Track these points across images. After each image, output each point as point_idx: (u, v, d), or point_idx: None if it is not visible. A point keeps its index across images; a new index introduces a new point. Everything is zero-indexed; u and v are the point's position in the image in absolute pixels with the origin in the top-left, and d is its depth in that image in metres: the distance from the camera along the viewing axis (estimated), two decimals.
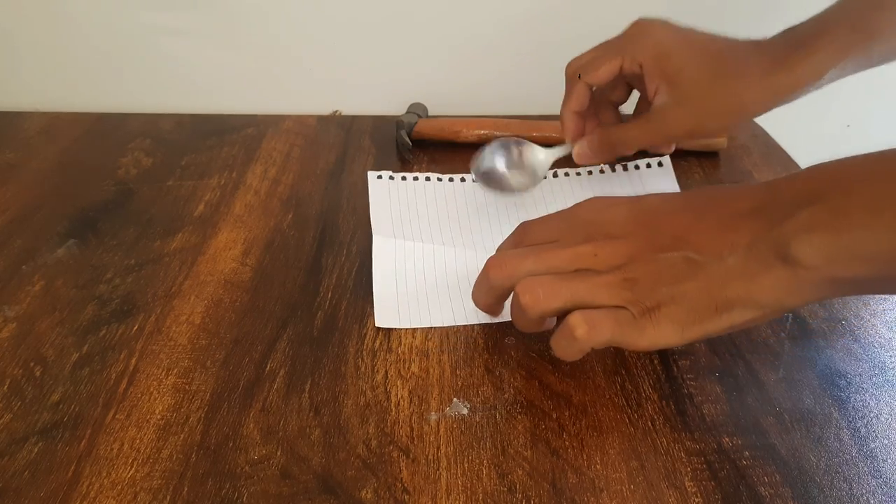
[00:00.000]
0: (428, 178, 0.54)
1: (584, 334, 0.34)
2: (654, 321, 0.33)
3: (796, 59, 0.43)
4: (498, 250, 0.41)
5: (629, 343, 0.34)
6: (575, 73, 0.48)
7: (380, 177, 0.54)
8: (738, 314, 0.32)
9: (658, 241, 0.34)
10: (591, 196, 0.39)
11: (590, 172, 0.54)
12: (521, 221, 0.40)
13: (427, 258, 0.47)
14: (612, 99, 0.51)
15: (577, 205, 0.39)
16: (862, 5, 0.44)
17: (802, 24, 0.45)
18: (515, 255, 0.37)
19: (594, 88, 0.49)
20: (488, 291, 0.39)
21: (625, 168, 0.55)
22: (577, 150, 0.49)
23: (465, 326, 0.42)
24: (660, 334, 0.33)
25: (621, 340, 0.34)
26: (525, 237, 0.39)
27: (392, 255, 0.47)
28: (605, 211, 0.37)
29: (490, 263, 0.38)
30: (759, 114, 0.45)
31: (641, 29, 0.47)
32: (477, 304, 0.41)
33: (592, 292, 0.34)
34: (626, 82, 0.50)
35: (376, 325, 0.41)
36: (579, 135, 0.49)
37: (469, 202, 0.52)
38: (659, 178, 0.54)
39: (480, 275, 0.39)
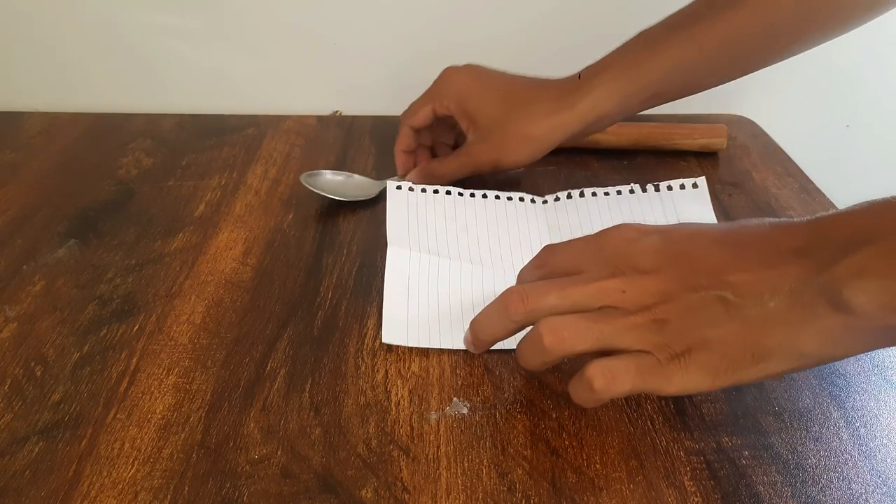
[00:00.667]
0: (449, 192, 0.51)
1: (603, 387, 0.32)
2: (683, 367, 0.31)
3: (576, 98, 0.49)
4: (519, 277, 0.39)
5: (654, 390, 0.32)
6: (401, 118, 0.56)
7: (399, 187, 0.51)
8: (776, 363, 0.30)
9: (692, 279, 0.31)
10: (618, 219, 0.37)
11: (619, 192, 0.51)
12: (545, 245, 0.38)
13: (442, 274, 0.45)
14: (443, 140, 0.58)
15: (604, 232, 0.36)
16: (636, 49, 0.49)
17: (589, 66, 0.50)
18: (539, 289, 0.35)
19: (420, 130, 0.56)
20: (502, 323, 0.36)
21: (656, 189, 0.51)
22: (409, 178, 0.55)
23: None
24: (689, 381, 0.31)
25: (644, 388, 0.32)
26: (548, 265, 0.37)
27: (406, 269, 0.45)
28: (636, 242, 0.34)
29: (510, 296, 0.35)
30: (554, 145, 0.51)
31: (447, 77, 0.54)
32: (480, 333, 0.38)
33: (619, 335, 0.32)
34: (450, 123, 0.55)
35: (383, 340, 0.40)
36: (409, 169, 0.56)
37: (491, 218, 0.50)
38: (692, 202, 0.50)
39: (495, 304, 0.36)
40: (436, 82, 0.55)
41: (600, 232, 0.36)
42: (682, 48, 0.48)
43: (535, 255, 0.39)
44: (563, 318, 0.33)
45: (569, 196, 0.52)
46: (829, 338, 0.29)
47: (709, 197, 0.50)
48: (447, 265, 0.45)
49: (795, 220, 0.32)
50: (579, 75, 0.50)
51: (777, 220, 0.32)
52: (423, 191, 0.51)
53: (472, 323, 0.38)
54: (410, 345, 0.40)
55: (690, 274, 0.32)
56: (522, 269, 0.39)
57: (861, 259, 0.27)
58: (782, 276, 0.29)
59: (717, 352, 0.31)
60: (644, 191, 0.51)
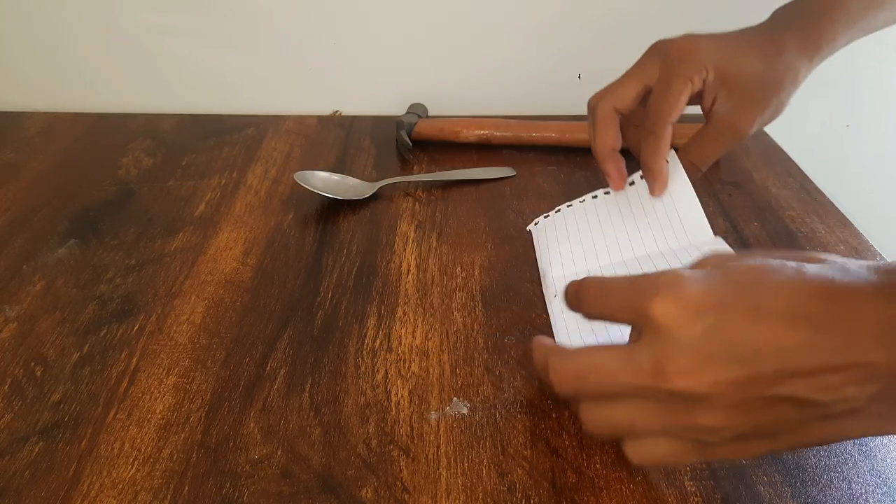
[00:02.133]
0: (583, 200, 0.49)
1: (636, 461, 0.30)
2: (740, 453, 0.28)
3: (820, 31, 0.45)
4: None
5: (700, 460, 0.31)
6: (598, 101, 0.45)
7: (536, 223, 0.50)
8: (852, 436, 0.28)
9: (758, 375, 0.25)
10: (617, 218, 0.39)
11: (594, 197, 0.49)
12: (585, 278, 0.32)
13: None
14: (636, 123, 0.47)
15: (651, 295, 0.27)
16: None
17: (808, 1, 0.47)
18: (574, 367, 0.29)
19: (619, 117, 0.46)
20: (549, 386, 0.31)
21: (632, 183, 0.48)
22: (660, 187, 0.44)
23: (464, 326, 0.42)
24: (744, 457, 0.31)
25: (686, 463, 0.32)
26: (581, 305, 0.32)
27: (553, 284, 0.44)
28: (691, 324, 0.26)
29: (551, 363, 0.30)
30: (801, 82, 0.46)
31: (690, 47, 0.44)
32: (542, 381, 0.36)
33: (659, 432, 0.28)
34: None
35: None
36: (624, 177, 0.46)
37: (625, 212, 0.46)
38: (671, 177, 0.46)
39: (546, 368, 0.31)
40: (669, 56, 0.44)
41: (640, 290, 0.28)
42: None
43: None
44: (597, 409, 0.30)
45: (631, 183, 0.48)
46: None
47: (681, 165, 0.46)
48: (595, 266, 0.45)
49: (876, 280, 0.25)
50: (804, 8, 0.47)
51: (861, 279, 0.25)
52: (558, 211, 0.50)
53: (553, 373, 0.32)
54: None
55: (754, 366, 0.25)
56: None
57: None
58: (871, 367, 0.24)
59: (786, 443, 0.27)
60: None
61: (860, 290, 0.25)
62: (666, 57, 0.43)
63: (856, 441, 0.35)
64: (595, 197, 0.49)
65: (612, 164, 0.45)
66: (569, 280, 0.33)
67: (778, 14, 0.48)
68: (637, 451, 0.29)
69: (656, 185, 0.44)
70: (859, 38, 0.48)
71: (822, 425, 0.26)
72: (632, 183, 0.47)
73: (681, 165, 0.45)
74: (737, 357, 0.26)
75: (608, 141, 0.45)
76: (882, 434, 0.29)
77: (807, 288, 0.26)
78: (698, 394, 0.26)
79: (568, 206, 0.50)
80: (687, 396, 0.26)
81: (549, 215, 0.51)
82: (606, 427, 0.30)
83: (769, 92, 0.44)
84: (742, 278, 0.27)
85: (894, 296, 0.24)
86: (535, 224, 0.51)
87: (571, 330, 0.41)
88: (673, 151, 0.46)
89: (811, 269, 0.26)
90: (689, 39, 0.44)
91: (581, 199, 0.49)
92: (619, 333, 0.38)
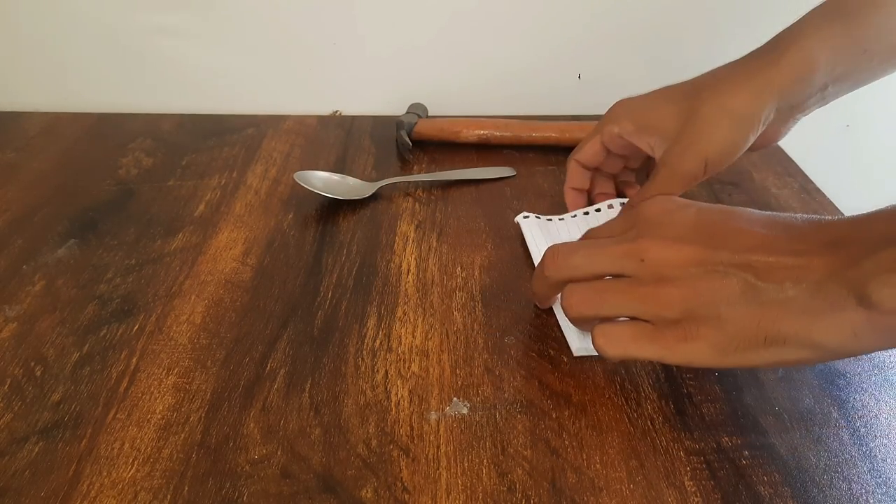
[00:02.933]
0: (574, 216, 0.51)
1: (602, 347, 0.34)
2: (689, 339, 0.32)
3: (780, 49, 0.42)
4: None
5: (657, 358, 0.33)
6: (570, 157, 0.52)
7: (526, 216, 0.51)
8: (789, 351, 0.30)
9: (716, 254, 0.32)
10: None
11: (585, 213, 0.51)
12: None
13: None
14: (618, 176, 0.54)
15: (646, 202, 0.37)
16: (837, 8, 0.42)
17: (783, 31, 0.44)
18: (567, 248, 0.38)
19: (591, 167, 0.51)
20: (543, 280, 0.39)
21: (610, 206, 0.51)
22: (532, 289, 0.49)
23: (464, 326, 0.42)
24: (695, 354, 0.32)
25: (645, 355, 0.33)
26: (592, 232, 0.40)
27: None
28: (672, 213, 0.35)
29: (546, 254, 0.39)
30: (766, 116, 0.42)
31: (612, 108, 0.49)
32: (534, 292, 0.42)
33: (626, 306, 0.34)
34: (622, 158, 0.51)
35: (575, 355, 0.40)
36: (577, 204, 0.52)
37: None
38: None
39: (538, 264, 0.40)
40: (605, 115, 0.49)
41: (643, 201, 0.37)
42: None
43: None
44: (578, 285, 0.36)
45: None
46: (847, 331, 0.28)
47: None
48: None
49: (834, 217, 0.32)
50: (767, 44, 0.43)
51: (818, 216, 0.32)
52: (549, 220, 0.51)
53: (533, 281, 0.42)
54: (593, 354, 0.39)
55: (716, 249, 0.32)
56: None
57: (890, 256, 0.27)
58: (809, 266, 0.30)
59: (728, 330, 0.31)
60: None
61: (815, 221, 0.32)
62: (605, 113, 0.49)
63: (856, 441, 0.35)
64: (586, 213, 0.51)
65: (570, 197, 0.52)
66: None
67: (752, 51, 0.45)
68: (605, 333, 0.34)
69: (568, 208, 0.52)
70: (852, 76, 0.43)
71: (761, 311, 0.30)
72: (610, 206, 0.51)
73: None
74: (702, 240, 0.33)
75: (571, 185, 0.52)
76: (811, 342, 0.29)
77: (777, 214, 0.33)
78: (665, 264, 0.33)
79: (560, 219, 0.51)
80: (656, 267, 0.33)
81: (539, 217, 0.51)
82: (584, 303, 0.35)
83: (703, 125, 0.42)
84: (722, 206, 0.36)
85: (833, 225, 0.31)
86: (525, 217, 0.51)
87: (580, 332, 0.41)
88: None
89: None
90: (623, 100, 0.48)
91: (572, 214, 0.52)
92: None
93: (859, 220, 0.30)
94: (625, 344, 0.34)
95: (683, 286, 0.32)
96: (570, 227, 0.51)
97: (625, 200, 0.51)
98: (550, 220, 0.51)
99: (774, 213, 0.34)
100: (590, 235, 0.40)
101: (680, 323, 0.32)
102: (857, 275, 0.28)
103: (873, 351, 0.30)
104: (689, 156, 0.43)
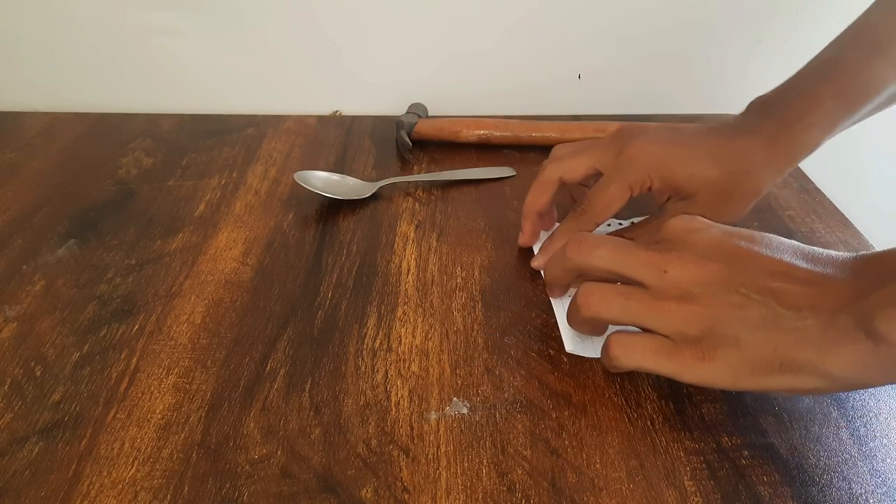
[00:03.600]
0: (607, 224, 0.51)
1: (617, 356, 0.34)
2: (707, 360, 0.32)
3: (790, 138, 0.44)
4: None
5: (672, 375, 0.33)
6: (548, 165, 0.47)
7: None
8: (802, 379, 0.30)
9: (739, 277, 0.32)
10: None
11: (619, 224, 0.52)
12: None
13: None
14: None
15: (672, 218, 0.37)
16: (842, 71, 0.44)
17: (785, 96, 0.45)
18: (595, 239, 0.37)
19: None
20: (562, 263, 0.39)
21: None
22: (539, 266, 0.47)
23: (464, 326, 0.42)
24: (711, 375, 0.32)
25: (660, 370, 0.33)
26: (616, 235, 0.40)
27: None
28: (697, 231, 0.35)
29: (572, 239, 0.38)
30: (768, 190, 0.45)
31: (634, 152, 0.44)
32: (548, 276, 0.42)
33: (646, 316, 0.34)
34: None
35: (567, 350, 0.40)
36: (534, 237, 0.49)
37: None
38: None
39: (559, 249, 0.39)
40: (619, 159, 0.44)
41: (669, 217, 0.37)
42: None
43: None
44: (599, 284, 0.36)
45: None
46: (857, 363, 0.29)
47: None
48: None
49: (851, 254, 0.33)
50: (777, 115, 0.44)
51: (837, 252, 0.33)
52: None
53: (546, 265, 0.42)
54: (588, 355, 0.40)
55: (739, 271, 0.32)
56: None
57: (893, 290, 0.28)
58: (825, 296, 0.30)
59: (745, 354, 0.31)
60: None
61: (835, 255, 0.33)
62: (619, 153, 0.44)
63: (856, 441, 0.35)
64: (608, 225, 0.51)
65: (529, 224, 0.48)
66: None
67: (752, 109, 0.46)
68: (622, 343, 0.34)
69: (541, 261, 0.47)
70: (834, 137, 0.45)
71: (779, 337, 0.30)
72: (620, 224, 0.51)
73: None
74: (726, 260, 0.33)
75: (537, 203, 0.47)
76: (824, 371, 0.30)
77: (803, 245, 0.34)
78: (688, 280, 0.33)
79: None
80: (678, 282, 0.33)
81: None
82: (603, 304, 0.35)
83: (722, 202, 0.44)
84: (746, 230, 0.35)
85: (849, 260, 0.32)
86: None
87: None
88: None
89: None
90: (644, 144, 0.44)
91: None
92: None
93: (870, 258, 0.31)
94: (643, 356, 0.33)
95: (705, 305, 0.32)
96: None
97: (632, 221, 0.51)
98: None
99: (795, 242, 0.34)
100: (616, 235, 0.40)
101: (699, 342, 0.32)
102: (864, 307, 0.29)
103: (885, 383, 0.31)
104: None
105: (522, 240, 0.49)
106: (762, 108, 0.45)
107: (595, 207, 0.44)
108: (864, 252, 0.33)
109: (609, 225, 0.51)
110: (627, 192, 0.43)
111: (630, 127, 0.46)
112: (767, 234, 0.35)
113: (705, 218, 0.39)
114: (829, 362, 0.30)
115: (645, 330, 0.34)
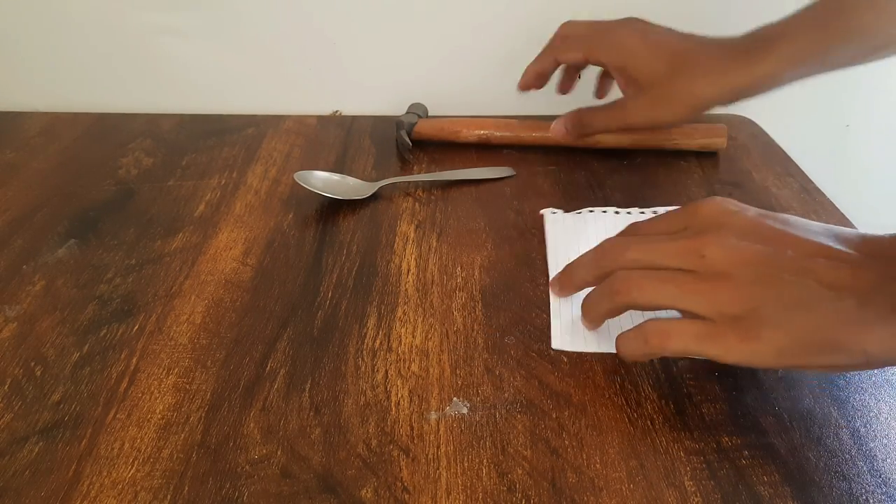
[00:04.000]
0: (605, 211, 0.52)
1: (658, 343, 0.34)
2: (750, 340, 0.32)
3: (754, 59, 0.45)
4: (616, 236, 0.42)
5: (715, 357, 0.33)
6: (555, 39, 0.55)
7: (554, 212, 0.52)
8: (841, 357, 0.31)
9: (778, 258, 0.33)
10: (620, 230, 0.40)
11: (616, 213, 0.53)
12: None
13: None
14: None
15: (704, 200, 0.37)
16: (825, 11, 0.45)
17: (769, 25, 0.46)
18: (623, 241, 0.38)
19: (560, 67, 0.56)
20: (589, 268, 0.39)
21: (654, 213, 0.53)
22: (554, 125, 0.57)
23: (464, 326, 0.42)
24: (754, 355, 0.32)
25: (700, 353, 0.33)
26: (642, 227, 0.40)
27: None
28: (734, 213, 0.36)
29: (602, 245, 0.38)
30: (714, 106, 0.48)
31: (609, 30, 0.51)
32: (571, 276, 0.41)
33: (685, 298, 0.34)
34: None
35: (553, 347, 0.40)
36: (529, 86, 0.57)
37: None
38: None
39: (590, 251, 0.39)
40: (595, 32, 0.52)
41: (701, 199, 0.38)
42: (876, 10, 0.43)
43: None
44: (636, 271, 0.35)
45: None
46: (892, 343, 0.30)
47: None
48: None
49: (877, 234, 0.33)
50: (754, 36, 0.46)
51: (872, 234, 0.34)
52: (579, 212, 0.52)
53: (567, 267, 0.41)
54: (577, 349, 0.40)
55: (778, 253, 0.33)
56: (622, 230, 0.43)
57: None
58: (860, 276, 0.31)
59: (790, 333, 0.31)
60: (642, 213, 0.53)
61: (857, 237, 0.34)
62: (604, 27, 0.53)
63: (856, 441, 0.35)
64: (617, 213, 0.52)
65: (529, 76, 0.57)
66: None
67: (743, 34, 0.48)
68: (662, 330, 0.34)
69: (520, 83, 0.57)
70: (810, 77, 0.46)
71: (820, 317, 0.31)
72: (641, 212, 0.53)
73: None
74: (764, 241, 0.33)
75: (535, 67, 0.57)
76: (862, 350, 0.31)
77: (820, 226, 0.35)
78: (727, 261, 0.33)
79: (590, 211, 0.52)
80: (717, 264, 0.33)
81: (569, 212, 0.52)
82: (640, 289, 0.35)
83: (664, 99, 0.48)
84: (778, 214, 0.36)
85: (876, 240, 0.33)
86: (553, 213, 0.52)
87: (564, 326, 0.42)
88: None
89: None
90: (623, 26, 0.51)
91: (603, 209, 0.52)
92: (619, 327, 0.40)
93: None
94: (685, 341, 0.33)
95: (747, 285, 0.32)
96: (598, 225, 0.51)
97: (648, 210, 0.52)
98: (580, 212, 0.52)
99: (826, 224, 0.35)
100: (637, 230, 0.39)
101: (741, 322, 0.32)
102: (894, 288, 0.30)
103: None
104: (646, 115, 0.50)
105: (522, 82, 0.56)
106: (748, 33, 0.47)
107: (551, 47, 0.55)
108: (888, 233, 0.33)
109: (630, 213, 0.52)
110: (581, 52, 0.52)
111: (630, 19, 0.52)
112: (797, 217, 0.35)
113: (641, 115, 0.46)
114: (866, 341, 0.30)
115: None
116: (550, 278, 0.45)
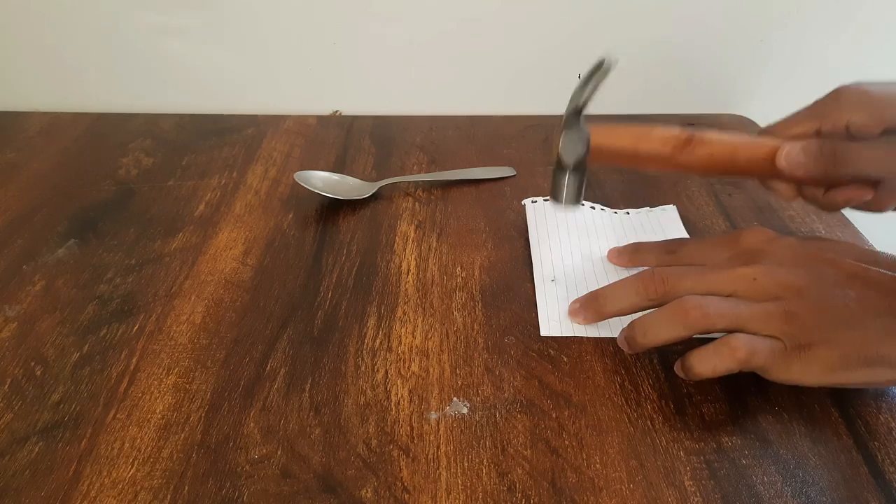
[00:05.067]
0: (583, 204, 0.53)
1: (744, 357, 0.34)
2: (803, 359, 0.34)
3: None
4: (639, 254, 0.45)
5: (774, 374, 0.35)
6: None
7: (534, 201, 0.53)
8: (883, 372, 0.34)
9: (822, 280, 0.35)
10: (611, 231, 0.43)
11: (592, 208, 0.53)
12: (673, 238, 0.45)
13: (587, 269, 0.47)
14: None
15: (741, 230, 0.40)
16: None
17: None
18: (676, 273, 0.38)
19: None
20: (632, 298, 0.39)
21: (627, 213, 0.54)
22: (788, 152, 0.40)
23: (464, 326, 0.42)
24: (806, 373, 0.34)
25: (767, 369, 0.35)
26: (679, 252, 0.41)
27: (551, 269, 0.47)
28: (773, 241, 0.39)
29: (649, 275, 0.38)
30: None
31: (841, 93, 0.41)
32: (605, 304, 0.40)
33: (753, 320, 0.35)
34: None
35: (542, 334, 0.41)
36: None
37: (618, 228, 0.51)
38: (668, 220, 0.52)
39: (631, 280, 0.39)
40: (824, 99, 0.41)
41: (736, 231, 0.40)
42: None
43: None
44: (706, 297, 0.36)
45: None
46: None
47: (678, 217, 0.53)
48: (589, 264, 0.47)
49: None
50: None
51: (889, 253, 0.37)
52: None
53: (598, 294, 0.41)
54: (565, 334, 0.41)
55: (821, 275, 0.36)
56: (643, 245, 0.45)
57: None
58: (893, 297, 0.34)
59: (837, 351, 0.34)
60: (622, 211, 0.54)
61: (886, 257, 0.37)
62: (823, 98, 0.42)
63: (856, 441, 0.35)
64: (592, 208, 0.53)
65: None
66: (566, 268, 0.46)
67: None
68: (747, 345, 0.35)
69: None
70: None
71: (864, 334, 0.33)
72: (627, 212, 0.53)
73: (677, 216, 0.52)
74: (807, 265, 0.36)
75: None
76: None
77: (850, 247, 0.39)
78: (778, 285, 0.36)
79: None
80: (769, 288, 0.36)
81: (548, 199, 0.53)
82: (719, 315, 0.36)
83: None
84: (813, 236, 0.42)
85: None
86: (534, 202, 0.53)
87: (551, 313, 0.43)
88: (673, 207, 0.53)
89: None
90: (847, 87, 0.41)
91: (591, 206, 0.53)
92: (609, 328, 0.41)
93: None
94: (764, 357, 0.35)
95: (799, 308, 0.35)
96: (577, 216, 0.52)
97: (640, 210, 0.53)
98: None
99: (856, 244, 0.37)
100: (679, 258, 0.41)
101: (799, 341, 0.34)
102: None
103: None
104: None
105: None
106: None
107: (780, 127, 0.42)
108: None
109: (604, 210, 0.53)
110: (815, 121, 0.40)
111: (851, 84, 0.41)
112: (831, 239, 0.38)
113: None
114: None
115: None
116: (534, 268, 0.46)
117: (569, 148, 0.40)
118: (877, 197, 0.40)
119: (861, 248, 0.38)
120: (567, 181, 0.41)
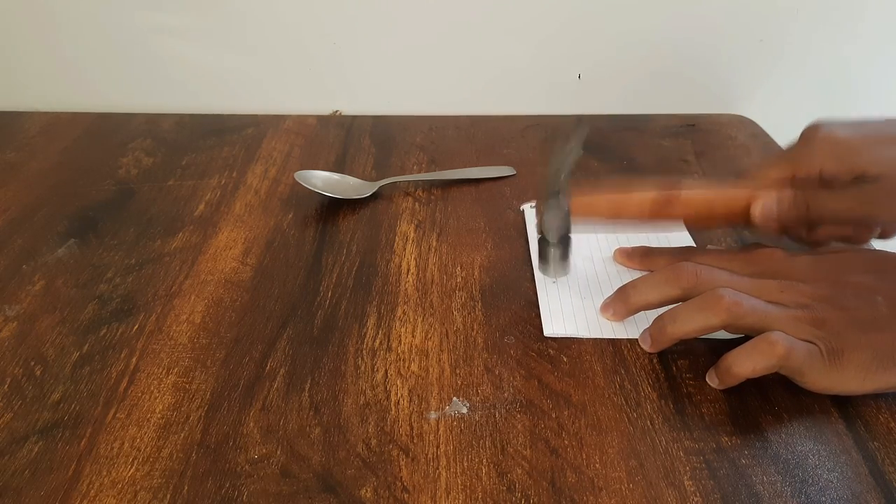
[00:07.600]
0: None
1: (784, 352, 0.35)
2: (838, 365, 0.35)
3: None
4: (652, 257, 0.46)
5: (809, 379, 0.35)
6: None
7: (532, 206, 0.53)
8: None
9: (844, 289, 0.37)
10: (614, 241, 0.44)
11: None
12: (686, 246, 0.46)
13: (588, 269, 0.47)
14: None
15: (751, 248, 0.41)
16: None
17: None
18: (707, 268, 0.38)
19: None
20: (663, 289, 0.39)
21: None
22: (764, 204, 0.41)
23: (464, 325, 0.42)
24: (843, 379, 0.35)
25: (804, 373, 0.35)
26: (696, 259, 0.40)
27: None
28: (789, 258, 0.40)
29: (683, 267, 0.38)
30: None
31: (812, 137, 0.42)
32: (633, 296, 0.40)
33: (786, 320, 0.36)
34: None
35: (545, 334, 0.41)
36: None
37: (619, 236, 0.50)
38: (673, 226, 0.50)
39: (662, 272, 0.39)
40: (797, 145, 0.43)
41: (747, 247, 0.41)
42: None
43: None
44: (740, 294, 0.36)
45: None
46: None
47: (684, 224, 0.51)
48: (591, 266, 0.47)
49: None
50: None
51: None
52: None
53: (626, 287, 0.41)
54: (569, 334, 0.41)
55: (843, 285, 0.37)
56: (656, 249, 0.46)
57: None
58: None
59: (870, 353, 0.34)
60: None
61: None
62: (796, 143, 0.43)
63: (856, 441, 0.35)
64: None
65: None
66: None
67: None
68: (791, 345, 0.35)
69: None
70: None
71: (891, 335, 0.34)
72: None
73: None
74: (827, 278, 0.38)
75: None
76: None
77: (877, 253, 0.40)
78: (804, 295, 0.37)
79: None
80: (797, 297, 0.36)
81: None
82: (751, 313, 0.36)
83: None
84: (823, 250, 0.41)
85: None
86: (532, 207, 0.53)
87: (554, 313, 0.43)
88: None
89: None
90: (815, 129, 0.42)
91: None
92: (611, 327, 0.41)
93: None
94: (802, 358, 0.35)
95: (828, 314, 0.35)
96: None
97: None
98: None
99: (864, 248, 0.38)
100: (702, 262, 0.40)
101: (832, 345, 0.35)
102: None
103: None
104: None
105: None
106: None
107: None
108: None
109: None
110: (788, 167, 0.42)
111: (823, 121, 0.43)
112: (843, 248, 0.40)
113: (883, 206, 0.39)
114: None
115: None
116: (535, 273, 0.46)
117: (551, 225, 0.42)
118: (855, 233, 0.43)
119: (875, 252, 0.39)
120: (552, 253, 0.43)
